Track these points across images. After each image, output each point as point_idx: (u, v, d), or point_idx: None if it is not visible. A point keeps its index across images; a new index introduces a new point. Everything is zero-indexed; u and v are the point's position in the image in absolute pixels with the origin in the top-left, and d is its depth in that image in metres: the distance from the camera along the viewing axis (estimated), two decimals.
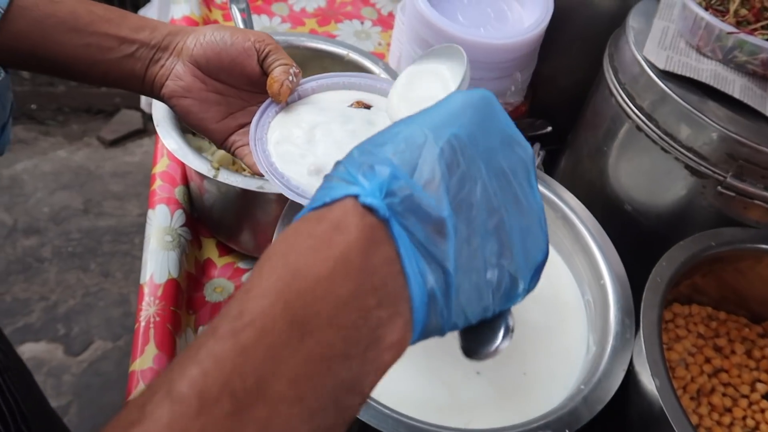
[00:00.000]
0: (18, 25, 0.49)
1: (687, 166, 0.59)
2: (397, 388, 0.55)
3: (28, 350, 1.55)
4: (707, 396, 0.60)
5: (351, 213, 0.29)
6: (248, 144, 0.55)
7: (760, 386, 0.61)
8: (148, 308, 0.67)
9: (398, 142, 0.31)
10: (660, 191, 0.63)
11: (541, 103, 0.89)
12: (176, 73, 0.54)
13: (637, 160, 0.65)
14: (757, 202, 0.57)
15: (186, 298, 0.73)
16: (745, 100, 0.59)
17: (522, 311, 0.63)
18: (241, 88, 0.57)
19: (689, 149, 0.58)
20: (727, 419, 0.59)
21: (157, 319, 0.66)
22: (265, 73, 0.55)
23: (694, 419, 0.58)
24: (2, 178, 1.95)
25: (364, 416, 0.48)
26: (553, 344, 0.61)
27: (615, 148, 0.67)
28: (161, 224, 0.74)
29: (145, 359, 0.63)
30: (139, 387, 0.61)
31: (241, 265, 0.79)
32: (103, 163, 2.02)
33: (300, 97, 0.59)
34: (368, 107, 0.60)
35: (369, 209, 0.29)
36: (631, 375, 0.53)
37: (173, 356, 0.65)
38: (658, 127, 0.60)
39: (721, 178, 0.57)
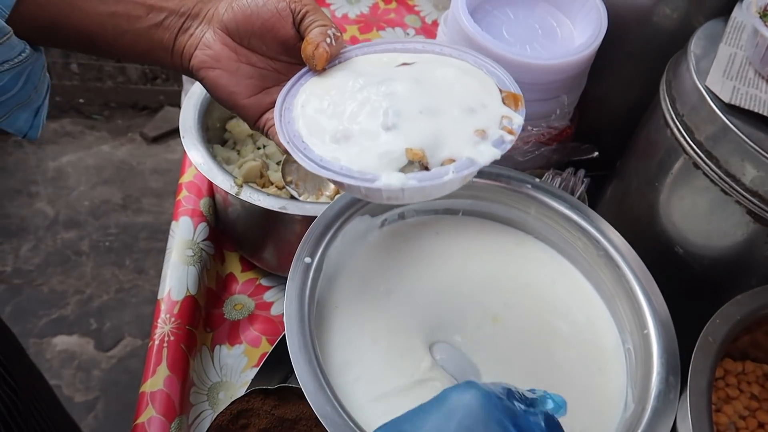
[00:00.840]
0: None
1: (749, 212, 0.54)
2: None
3: (60, 342, 1.57)
4: None
5: None
6: None
7: None
8: (164, 326, 0.65)
9: None
10: (717, 236, 0.58)
11: (589, 125, 0.84)
12: (205, 41, 0.49)
13: (693, 199, 0.59)
14: None
15: (204, 315, 0.71)
16: None
17: (557, 352, 0.58)
18: (276, 58, 0.51)
19: (753, 193, 0.52)
20: None
21: (172, 338, 0.64)
22: (301, 38, 0.49)
23: None
24: (48, 170, 1.99)
25: None
26: (588, 395, 0.56)
27: (668, 183, 0.62)
28: (183, 237, 0.73)
29: (156, 381, 0.61)
30: (147, 411, 0.59)
31: (263, 282, 0.77)
32: (144, 159, 2.05)
33: (340, 62, 0.51)
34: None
35: None
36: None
37: (186, 380, 0.63)
38: (719, 166, 0.55)
39: None
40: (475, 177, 0.66)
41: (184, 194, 0.77)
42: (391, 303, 0.60)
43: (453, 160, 0.45)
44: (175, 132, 2.12)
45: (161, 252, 1.81)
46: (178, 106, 2.13)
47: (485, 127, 0.46)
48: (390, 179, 0.44)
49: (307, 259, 0.56)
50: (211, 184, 0.78)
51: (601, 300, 0.62)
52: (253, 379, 0.58)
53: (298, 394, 0.53)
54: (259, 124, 0.52)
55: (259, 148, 0.79)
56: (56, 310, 1.64)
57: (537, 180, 0.66)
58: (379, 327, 0.58)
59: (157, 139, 2.11)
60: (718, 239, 0.57)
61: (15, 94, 0.45)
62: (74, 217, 1.85)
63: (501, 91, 0.49)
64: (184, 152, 0.73)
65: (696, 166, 0.57)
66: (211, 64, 0.49)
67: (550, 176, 0.76)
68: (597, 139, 0.81)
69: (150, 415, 0.59)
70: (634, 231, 0.63)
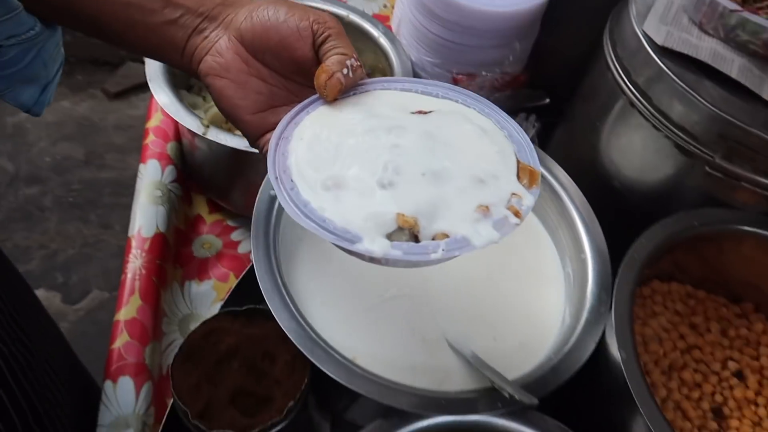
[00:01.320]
0: None
1: (677, 145, 0.59)
2: (378, 345, 0.56)
3: None
4: (678, 371, 0.61)
5: None
6: None
7: (731, 364, 0.61)
8: (135, 260, 0.68)
9: None
10: (649, 169, 0.63)
11: (542, 74, 0.88)
12: (218, 48, 0.46)
13: (629, 136, 0.64)
14: (744, 184, 0.57)
15: (174, 252, 0.74)
16: (743, 81, 0.58)
17: (501, 279, 0.63)
18: (288, 78, 0.48)
19: (680, 128, 0.58)
20: (696, 394, 0.60)
21: (143, 271, 0.67)
22: (319, 61, 0.45)
23: (663, 392, 0.59)
24: (6, 126, 1.95)
25: (335, 373, 0.49)
26: (529, 314, 0.61)
27: (608, 123, 0.67)
28: (152, 179, 0.75)
29: (130, 310, 0.64)
30: (122, 337, 0.63)
31: (230, 222, 0.80)
32: (106, 115, 2.02)
33: (355, 94, 0.47)
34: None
35: None
36: (602, 348, 0.54)
37: (157, 309, 0.67)
38: (652, 105, 0.60)
39: (709, 158, 0.57)
40: None
41: (151, 138, 0.79)
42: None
43: (446, 235, 0.40)
44: (137, 88, 2.09)
45: (126, 207, 1.81)
46: (141, 61, 2.09)
47: (490, 204, 0.42)
48: (372, 245, 0.39)
49: (272, 192, 0.60)
50: (177, 129, 0.80)
51: (545, 231, 0.68)
52: (222, 306, 0.62)
53: (265, 315, 0.57)
54: (259, 143, 0.48)
55: None
56: (21, 265, 1.64)
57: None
58: (345, 257, 0.62)
59: (118, 95, 2.08)
60: (650, 172, 0.63)
61: (21, 69, 0.44)
62: (36, 173, 1.84)
63: (518, 162, 0.44)
64: (151, 96, 0.75)
65: (632, 105, 0.62)
66: (220, 73, 0.46)
67: None
68: (549, 87, 0.86)
69: (124, 340, 0.62)
70: (578, 169, 0.68)
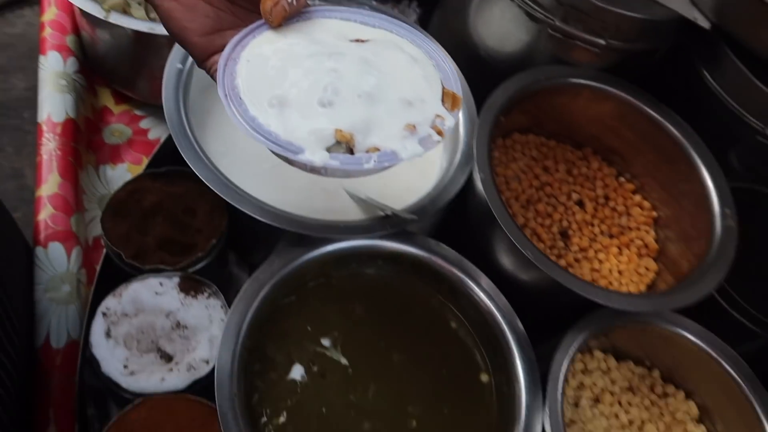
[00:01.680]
0: None
1: (526, 13, 0.70)
2: (284, 194, 0.65)
3: None
4: (534, 204, 0.75)
5: None
6: None
7: (574, 195, 0.76)
8: (48, 143, 0.72)
9: None
10: (507, 37, 0.74)
11: None
12: None
13: (490, 10, 0.75)
14: (578, 43, 0.69)
15: (86, 139, 0.78)
16: None
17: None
18: (235, 2, 0.50)
19: None
20: (547, 221, 0.75)
21: (59, 152, 0.72)
22: None
23: (522, 221, 0.73)
24: None
25: (250, 209, 0.58)
26: (412, 163, 0.72)
27: (474, 0, 0.77)
28: (54, 69, 0.78)
29: (51, 186, 0.69)
30: (46, 209, 0.68)
31: (138, 112, 0.85)
32: None
33: (299, 21, 0.50)
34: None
35: None
36: (470, 181, 0.67)
37: (77, 186, 0.72)
38: None
39: (551, 22, 0.69)
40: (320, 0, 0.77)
41: (48, 31, 0.81)
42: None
43: (378, 149, 0.45)
44: (12, 4, 1.95)
45: (17, 129, 1.75)
46: None
47: (417, 123, 0.46)
48: (313, 156, 0.44)
49: (179, 66, 0.66)
50: (75, 22, 0.82)
51: None
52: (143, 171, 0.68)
53: (183, 175, 0.64)
54: (206, 64, 0.50)
55: None
56: None
57: (374, 3, 0.78)
58: None
59: None
60: (507, 39, 0.74)
61: None
62: None
63: (443, 88, 0.50)
64: None
65: None
66: None
67: (390, 7, 0.89)
68: None
69: (49, 212, 0.67)
70: (453, 45, 0.77)
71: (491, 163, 0.63)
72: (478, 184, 0.64)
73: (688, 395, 0.66)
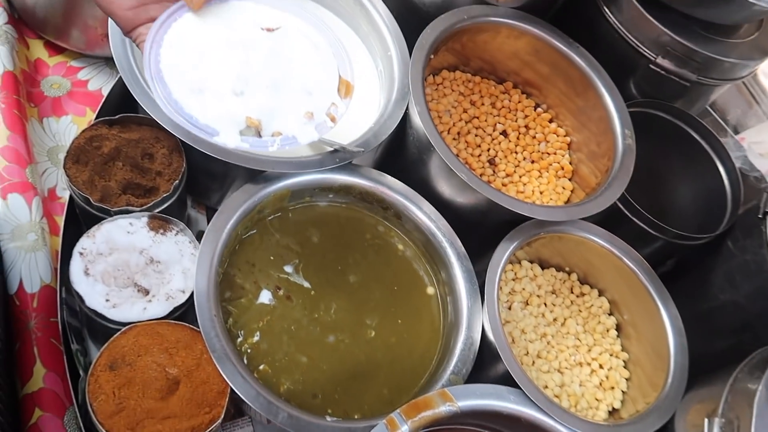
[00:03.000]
0: None
1: None
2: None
3: None
4: (464, 136, 0.83)
5: None
6: None
7: (498, 126, 0.85)
8: None
9: None
10: None
11: None
12: None
13: None
14: None
15: (25, 92, 0.78)
16: None
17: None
18: None
19: None
20: (477, 151, 0.83)
21: (3, 105, 0.72)
22: None
23: (454, 152, 0.81)
24: None
25: (207, 148, 0.62)
26: (353, 101, 0.78)
27: None
28: None
29: (0, 139, 0.70)
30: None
31: (75, 63, 0.85)
32: None
33: (217, 2, 0.56)
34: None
35: None
36: (407, 115, 0.73)
37: (26, 138, 0.73)
38: None
39: None
40: None
41: None
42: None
43: (280, 133, 0.55)
44: None
45: None
46: None
47: (314, 110, 0.56)
48: (227, 139, 0.53)
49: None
50: None
51: (358, 39, 0.83)
52: (95, 118, 0.70)
53: (138, 122, 0.67)
54: (132, 34, 0.54)
55: None
56: None
57: None
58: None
59: None
60: None
61: None
62: None
63: (340, 76, 0.58)
64: None
65: None
66: None
67: None
68: None
69: (3, 165, 0.69)
70: None
71: (425, 95, 0.70)
72: (415, 117, 0.71)
73: (601, 293, 0.77)
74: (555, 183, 0.82)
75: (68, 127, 0.80)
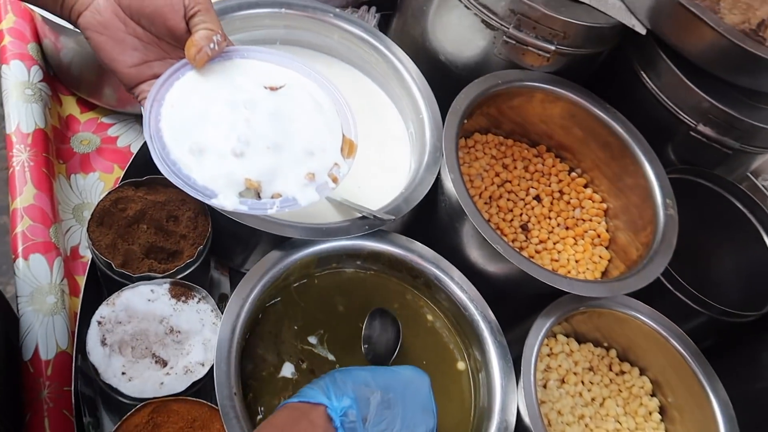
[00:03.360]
0: None
1: (483, 21, 0.75)
2: None
3: None
4: (496, 200, 0.81)
5: (321, 417, 0.50)
6: None
7: (532, 191, 0.82)
8: (20, 155, 0.72)
9: (360, 385, 0.53)
10: (465, 43, 0.79)
11: None
12: (96, 5, 0.50)
13: (448, 17, 0.79)
14: (530, 48, 0.75)
15: (54, 148, 0.78)
16: None
17: (360, 146, 0.77)
18: (162, 39, 0.53)
19: (484, 6, 0.74)
20: (509, 216, 0.80)
21: (31, 163, 0.72)
22: (189, 31, 0.51)
23: (486, 216, 0.78)
24: None
25: (233, 214, 0.61)
26: (383, 166, 0.77)
27: (432, 8, 0.81)
28: (19, 78, 0.77)
29: (26, 198, 0.69)
30: (23, 221, 0.68)
31: (105, 120, 0.85)
32: None
33: (221, 60, 0.55)
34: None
35: (330, 418, 0.50)
36: (439, 180, 0.71)
37: (52, 196, 0.72)
38: None
39: (506, 29, 0.74)
40: (287, 9, 0.80)
41: (8, 40, 0.80)
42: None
43: (280, 195, 0.52)
44: None
45: None
46: None
47: (316, 172, 0.53)
48: (225, 201, 0.50)
49: None
50: (36, 30, 0.81)
51: (390, 101, 0.82)
52: (121, 179, 0.69)
53: (164, 183, 0.66)
54: (134, 91, 0.54)
55: None
56: None
57: (337, 10, 0.82)
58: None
59: None
60: (465, 45, 0.79)
61: None
62: None
63: (343, 135, 0.56)
64: None
65: None
66: (99, 30, 0.50)
67: (349, 12, 0.92)
68: None
69: (27, 224, 0.68)
70: (412, 49, 0.82)
71: (459, 164, 0.68)
72: (448, 184, 0.69)
73: (642, 371, 0.73)
74: (591, 251, 0.78)
75: (95, 184, 0.79)
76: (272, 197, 0.52)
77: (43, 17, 0.73)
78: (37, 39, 0.82)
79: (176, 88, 0.52)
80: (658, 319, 0.69)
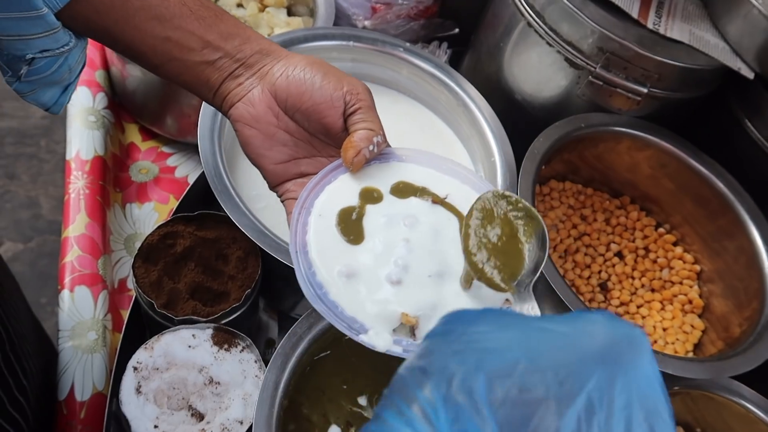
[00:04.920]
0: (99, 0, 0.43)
1: (566, 59, 0.69)
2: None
3: None
4: (572, 255, 0.73)
5: None
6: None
7: (613, 246, 0.74)
8: (77, 181, 0.70)
9: (509, 383, 0.25)
10: (544, 82, 0.73)
11: (451, 5, 0.96)
12: (250, 97, 0.48)
13: (527, 54, 0.73)
14: (619, 90, 0.68)
15: (112, 176, 0.76)
16: (618, 3, 0.69)
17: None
18: (315, 135, 0.50)
19: (568, 43, 0.68)
20: (586, 273, 0.72)
21: (87, 191, 0.70)
22: (346, 129, 0.48)
23: (561, 272, 0.71)
24: None
25: (287, 258, 0.56)
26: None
27: (510, 44, 0.76)
28: (84, 104, 0.76)
29: (78, 226, 0.67)
30: (73, 251, 0.66)
31: (165, 149, 0.83)
32: None
33: (377, 163, 0.49)
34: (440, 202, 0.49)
35: None
36: None
37: (104, 226, 0.70)
38: (546, 24, 0.69)
39: (592, 68, 0.68)
40: (355, 42, 0.76)
41: None
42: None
43: None
44: None
45: (33, 157, 1.75)
46: None
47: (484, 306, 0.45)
48: (377, 340, 0.43)
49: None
50: (104, 56, 0.81)
51: (459, 141, 0.77)
52: (174, 213, 0.66)
53: (216, 219, 0.62)
54: (278, 189, 0.51)
55: None
56: None
57: (408, 44, 0.77)
58: None
59: None
60: (545, 84, 0.73)
61: (48, 75, 0.44)
62: None
63: None
64: None
65: (530, 26, 0.71)
66: (250, 123, 0.48)
67: (419, 47, 0.88)
68: (457, 17, 0.94)
69: (76, 254, 0.65)
70: (486, 87, 0.77)
71: None
72: None
73: None
74: (681, 319, 0.69)
75: (149, 215, 0.77)
76: None
77: None
78: (106, 66, 0.81)
79: (327, 194, 0.48)
80: (764, 405, 0.59)
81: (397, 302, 0.44)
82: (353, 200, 0.48)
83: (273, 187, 0.51)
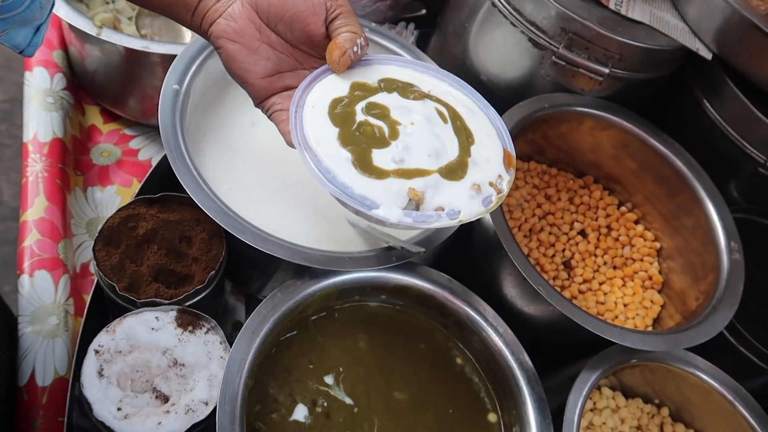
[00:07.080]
0: None
1: (530, 39, 0.69)
2: (285, 222, 0.63)
3: None
4: (537, 234, 0.74)
5: None
6: (287, 109, 0.50)
7: (576, 225, 0.75)
8: (35, 164, 0.69)
9: None
10: (509, 62, 0.73)
11: None
12: (231, 12, 0.48)
13: (492, 34, 0.74)
14: (581, 70, 0.69)
15: (73, 159, 0.75)
16: None
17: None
18: (297, 47, 0.50)
19: (532, 23, 0.68)
20: (550, 251, 0.74)
21: (46, 174, 0.68)
22: (328, 37, 0.49)
23: (525, 251, 0.72)
24: None
25: (251, 240, 0.56)
26: None
27: (475, 25, 0.76)
28: (41, 86, 0.74)
29: (36, 210, 0.66)
30: (32, 235, 0.64)
31: (128, 131, 0.81)
32: None
33: (359, 66, 0.51)
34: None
35: None
36: None
37: (65, 209, 0.69)
38: (509, 4, 0.69)
39: (555, 49, 0.68)
40: None
41: None
42: (256, 132, 0.69)
43: (442, 208, 0.47)
44: None
45: None
46: None
47: (481, 183, 0.49)
48: (389, 213, 0.46)
49: (176, 86, 0.63)
50: (62, 37, 0.79)
51: None
52: (136, 195, 0.65)
53: (179, 201, 0.61)
54: (264, 104, 0.51)
55: (108, 2, 0.81)
56: None
57: (374, 24, 0.77)
58: (248, 148, 0.68)
59: None
60: (510, 65, 0.73)
61: (20, 12, 0.43)
62: None
63: (504, 148, 0.52)
64: None
65: (494, 5, 0.71)
66: (232, 37, 0.48)
67: (386, 28, 0.87)
68: None
69: (35, 238, 0.64)
70: (452, 68, 0.75)
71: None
72: (486, 218, 0.62)
73: None
74: (642, 295, 0.71)
75: (112, 198, 0.75)
76: (435, 210, 0.47)
77: (70, 24, 0.70)
78: (64, 46, 0.79)
79: (317, 91, 0.49)
80: (719, 376, 0.61)
81: (405, 180, 0.47)
82: (344, 92, 0.50)
83: (258, 103, 0.51)
